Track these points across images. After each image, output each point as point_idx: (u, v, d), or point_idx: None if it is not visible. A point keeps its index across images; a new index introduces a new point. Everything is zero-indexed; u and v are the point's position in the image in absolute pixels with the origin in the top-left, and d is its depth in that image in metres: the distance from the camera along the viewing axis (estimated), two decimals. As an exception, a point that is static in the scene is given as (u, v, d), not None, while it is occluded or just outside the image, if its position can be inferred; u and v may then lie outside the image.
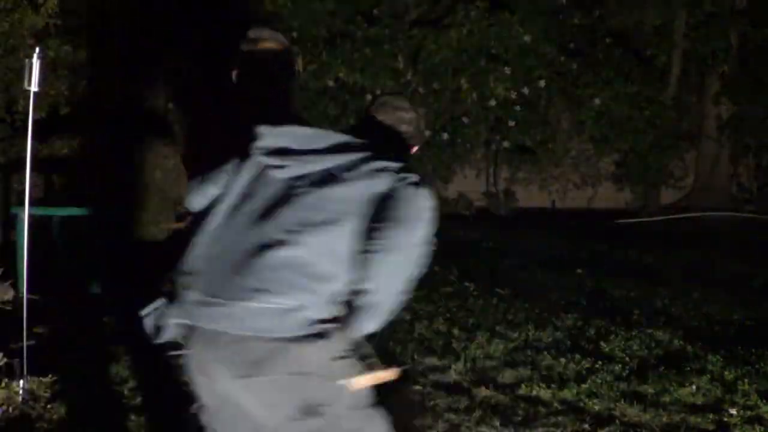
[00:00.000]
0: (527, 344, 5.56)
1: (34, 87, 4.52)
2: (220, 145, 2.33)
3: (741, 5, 13.15)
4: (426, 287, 7.00)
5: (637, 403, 4.49)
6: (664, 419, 4.33)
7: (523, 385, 4.75)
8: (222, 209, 2.15)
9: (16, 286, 5.95)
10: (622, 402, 4.52)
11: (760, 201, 13.43)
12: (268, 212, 2.08)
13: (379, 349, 2.19)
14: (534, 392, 4.66)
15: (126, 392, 4.43)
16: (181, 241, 2.15)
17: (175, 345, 2.09)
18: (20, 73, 7.92)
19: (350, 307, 2.03)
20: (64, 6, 8.97)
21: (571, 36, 12.62)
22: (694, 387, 4.78)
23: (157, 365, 4.84)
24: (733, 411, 4.46)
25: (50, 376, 4.48)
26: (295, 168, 2.12)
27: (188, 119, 11.92)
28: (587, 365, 5.12)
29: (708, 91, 13.47)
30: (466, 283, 7.17)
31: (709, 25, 12.99)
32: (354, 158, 2.11)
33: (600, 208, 12.88)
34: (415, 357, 5.21)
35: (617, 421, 4.30)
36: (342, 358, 2.02)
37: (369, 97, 11.74)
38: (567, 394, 4.64)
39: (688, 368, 5.11)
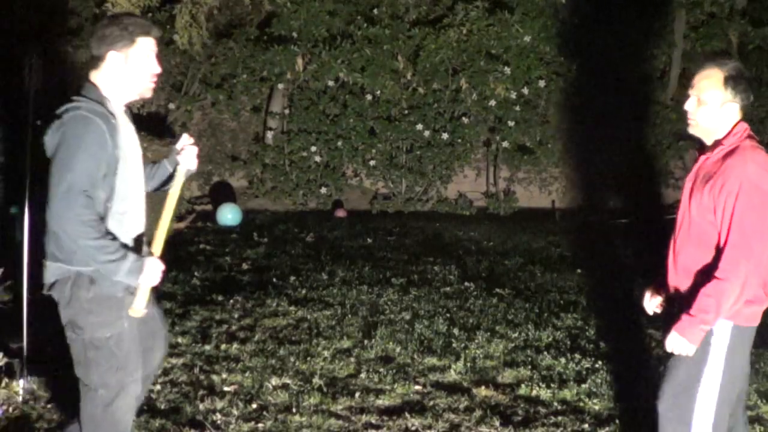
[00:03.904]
0: (527, 344, 5.56)
1: (34, 87, 4.53)
2: None
3: (741, 5, 13.14)
4: (426, 287, 7.00)
5: (638, 403, 4.49)
6: (664, 419, 4.33)
7: (523, 385, 4.76)
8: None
9: (16, 286, 5.94)
10: (623, 402, 4.52)
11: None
12: None
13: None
14: (534, 392, 4.67)
15: (126, 392, 4.43)
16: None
17: None
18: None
19: None
20: (64, 6, 8.98)
21: (571, 36, 12.62)
22: (694, 387, 4.77)
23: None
24: (733, 411, 4.46)
25: (50, 376, 4.49)
26: None
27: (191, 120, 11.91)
28: (587, 365, 5.12)
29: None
30: (466, 283, 7.17)
31: (709, 25, 12.97)
32: None
33: (600, 207, 12.86)
34: (415, 357, 5.21)
35: (617, 420, 4.31)
36: None
37: (369, 97, 11.73)
38: (567, 394, 4.65)
39: (688, 368, 5.11)
